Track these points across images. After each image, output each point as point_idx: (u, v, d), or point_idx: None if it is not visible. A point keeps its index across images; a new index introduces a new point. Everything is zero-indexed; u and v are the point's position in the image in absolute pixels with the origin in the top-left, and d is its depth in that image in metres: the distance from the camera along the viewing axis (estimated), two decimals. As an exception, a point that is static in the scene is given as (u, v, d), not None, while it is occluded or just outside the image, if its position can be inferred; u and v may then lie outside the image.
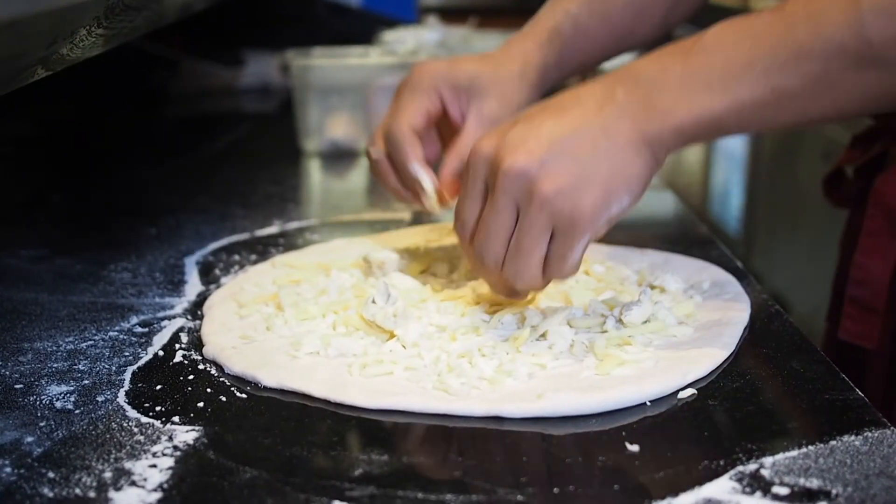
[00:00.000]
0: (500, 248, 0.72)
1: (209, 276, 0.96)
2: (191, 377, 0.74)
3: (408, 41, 1.71)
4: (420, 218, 1.17)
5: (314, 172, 1.46)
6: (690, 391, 0.69)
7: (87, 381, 0.73)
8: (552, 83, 0.93)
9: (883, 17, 0.63)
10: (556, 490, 0.58)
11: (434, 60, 0.89)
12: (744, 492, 0.56)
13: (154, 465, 0.61)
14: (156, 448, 0.63)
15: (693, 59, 0.68)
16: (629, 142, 0.69)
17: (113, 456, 0.62)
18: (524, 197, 0.69)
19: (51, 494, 0.58)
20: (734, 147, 3.89)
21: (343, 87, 1.51)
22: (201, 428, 0.66)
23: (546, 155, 0.69)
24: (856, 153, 1.09)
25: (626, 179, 0.70)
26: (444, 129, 0.90)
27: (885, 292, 0.97)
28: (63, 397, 0.70)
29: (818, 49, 0.65)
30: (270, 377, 0.72)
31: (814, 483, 0.57)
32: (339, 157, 1.50)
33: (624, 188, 0.70)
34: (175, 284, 0.93)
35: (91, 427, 0.66)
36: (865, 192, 1.02)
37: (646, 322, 0.78)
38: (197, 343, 0.79)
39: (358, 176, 1.45)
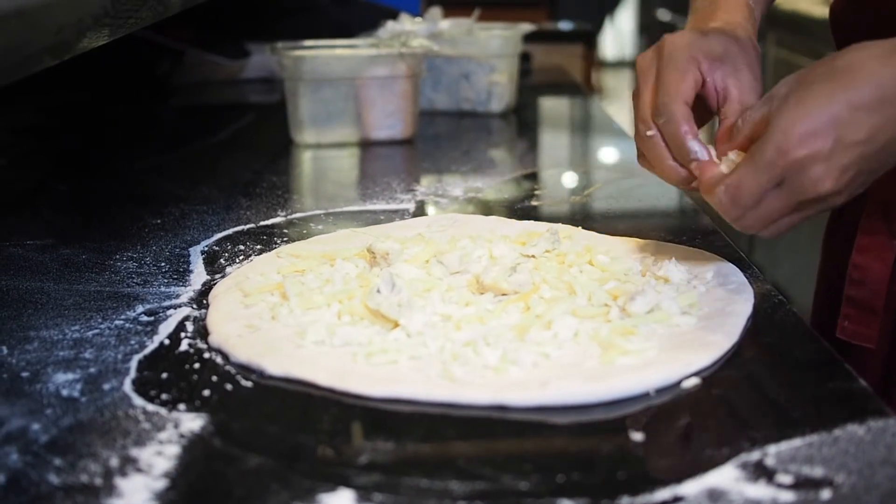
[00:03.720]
0: (765, 225, 0.78)
1: (214, 265, 0.96)
2: (196, 365, 0.74)
3: (403, 33, 1.71)
4: (423, 208, 1.17)
5: (311, 163, 1.46)
6: (694, 380, 0.69)
7: (93, 370, 0.73)
8: None
9: None
10: (559, 478, 0.58)
11: (683, 33, 0.87)
12: (748, 480, 0.57)
13: (160, 453, 0.61)
14: (162, 436, 0.63)
15: None
16: None
17: (119, 443, 0.62)
18: (816, 202, 0.76)
19: (57, 481, 0.58)
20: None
21: (334, 79, 1.51)
22: (207, 416, 0.66)
23: (853, 176, 0.74)
24: None
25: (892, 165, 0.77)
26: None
27: (883, 292, 0.96)
28: (69, 385, 0.70)
29: None
30: (276, 365, 0.72)
31: (817, 471, 0.57)
32: (332, 149, 1.50)
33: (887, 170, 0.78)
34: (180, 274, 0.94)
35: (97, 415, 0.66)
36: None
37: (650, 312, 0.78)
38: (202, 332, 0.79)
39: (353, 167, 1.45)
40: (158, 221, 1.11)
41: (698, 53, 0.85)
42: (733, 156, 0.80)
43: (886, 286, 0.95)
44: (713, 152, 0.82)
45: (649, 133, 0.84)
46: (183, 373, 0.73)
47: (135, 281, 0.92)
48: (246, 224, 1.10)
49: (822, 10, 2.87)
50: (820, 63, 0.76)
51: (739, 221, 0.78)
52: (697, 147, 0.82)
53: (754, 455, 0.59)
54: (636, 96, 0.87)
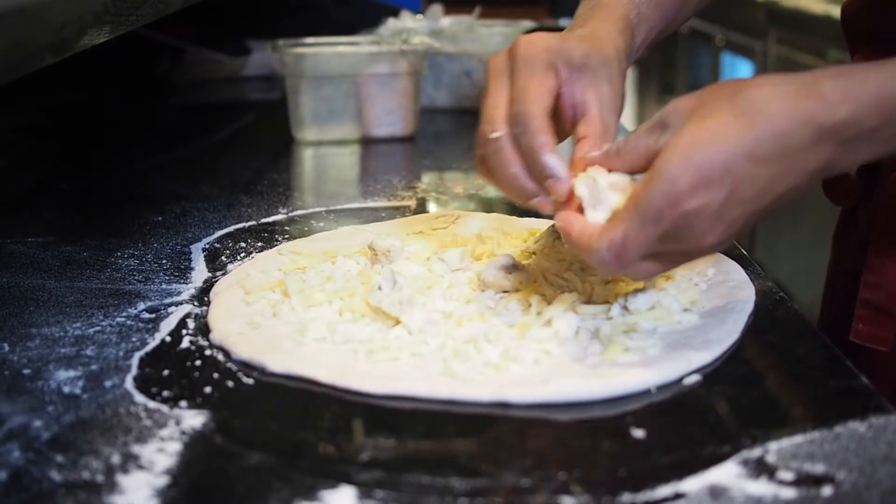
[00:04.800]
0: (646, 272, 0.71)
1: (215, 262, 0.96)
2: (198, 362, 0.74)
3: (404, 30, 1.71)
4: (424, 206, 1.17)
5: (312, 161, 1.46)
6: (695, 377, 0.69)
7: (94, 367, 0.73)
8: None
9: None
10: (561, 475, 0.58)
11: (540, 35, 0.79)
12: (749, 477, 0.57)
13: (161, 450, 0.61)
14: (163, 433, 0.63)
15: None
16: (808, 189, 0.69)
17: (121, 440, 0.62)
18: (691, 256, 0.71)
19: (59, 478, 0.58)
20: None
21: (335, 76, 1.51)
22: (208, 413, 0.66)
23: (740, 229, 0.68)
24: None
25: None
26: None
27: None
28: (71, 382, 0.71)
29: None
30: (277, 363, 0.72)
31: (819, 468, 0.57)
32: (333, 146, 1.50)
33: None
34: (182, 271, 0.94)
35: (99, 412, 0.66)
36: (867, 189, 1.01)
37: (651, 309, 0.78)
38: (204, 329, 0.79)
39: (354, 164, 1.45)
40: (159, 219, 1.11)
41: (556, 59, 0.78)
42: (598, 176, 0.72)
43: None
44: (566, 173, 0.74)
45: (495, 134, 0.76)
46: (184, 370, 0.73)
47: (136, 278, 0.92)
48: (247, 221, 1.10)
49: (823, 7, 2.87)
50: (718, 94, 0.68)
51: (609, 268, 0.70)
52: (555, 162, 0.74)
53: (755, 452, 0.59)
54: (485, 99, 0.79)
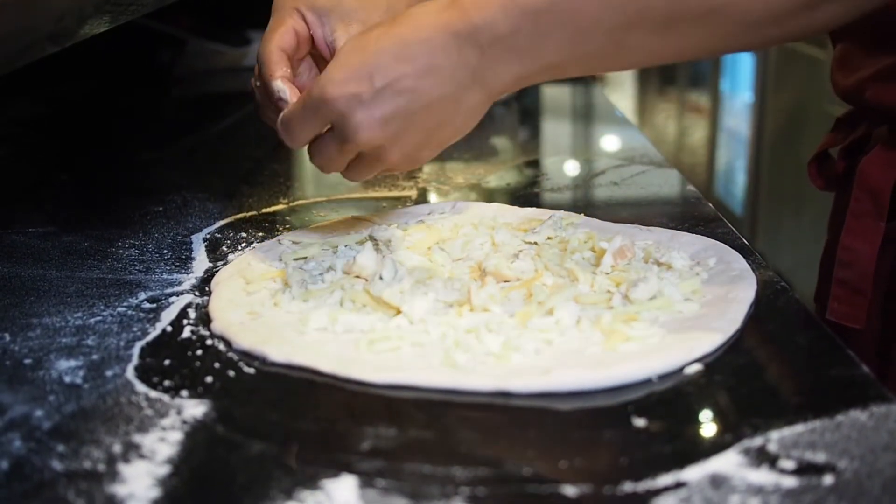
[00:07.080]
0: (334, 166, 0.81)
1: (217, 252, 0.96)
2: (199, 352, 0.74)
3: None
4: (425, 195, 1.17)
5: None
6: (697, 367, 0.69)
7: (95, 356, 0.73)
8: None
9: None
10: (562, 464, 0.58)
11: None
12: (750, 466, 0.57)
13: (163, 439, 0.61)
14: (164, 422, 0.63)
15: (545, 18, 0.71)
16: (477, 104, 0.76)
17: (122, 430, 0.62)
18: (371, 154, 0.78)
19: (60, 467, 0.58)
20: (739, 127, 3.88)
21: None
22: (210, 402, 0.66)
23: (398, 130, 0.75)
24: (839, 136, 1.08)
25: (463, 130, 0.79)
26: (320, 62, 0.91)
27: (871, 274, 0.96)
28: (72, 372, 0.71)
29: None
30: (278, 352, 0.72)
31: (820, 457, 0.57)
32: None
33: (458, 136, 0.79)
34: (183, 261, 0.94)
35: (100, 401, 0.66)
36: (850, 173, 1.02)
37: (652, 298, 0.78)
38: (205, 319, 0.79)
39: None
40: (160, 209, 1.11)
41: (300, 4, 0.86)
42: None
43: (874, 267, 0.96)
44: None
45: (257, 83, 0.87)
46: (185, 360, 0.73)
47: (137, 268, 0.92)
48: (248, 211, 1.10)
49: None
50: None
51: (312, 160, 0.81)
52: (281, 86, 0.83)
53: (757, 441, 0.59)
54: None
